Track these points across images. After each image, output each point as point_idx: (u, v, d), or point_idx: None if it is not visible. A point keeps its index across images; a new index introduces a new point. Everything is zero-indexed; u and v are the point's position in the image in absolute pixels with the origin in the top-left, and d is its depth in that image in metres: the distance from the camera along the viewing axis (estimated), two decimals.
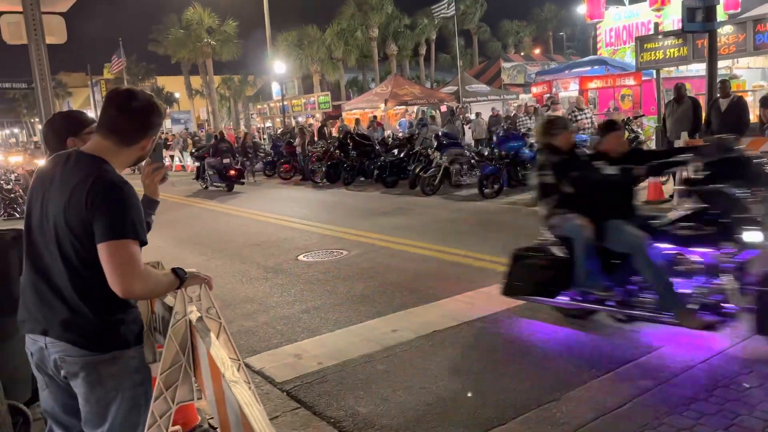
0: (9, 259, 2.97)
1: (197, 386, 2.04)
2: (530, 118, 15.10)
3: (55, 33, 3.79)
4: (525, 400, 3.64)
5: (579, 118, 12.52)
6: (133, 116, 2.05)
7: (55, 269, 2.00)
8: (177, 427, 2.33)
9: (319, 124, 24.79)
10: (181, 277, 2.07)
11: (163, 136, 34.32)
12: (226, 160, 16.59)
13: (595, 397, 3.54)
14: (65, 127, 2.57)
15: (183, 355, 1.99)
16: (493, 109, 21.72)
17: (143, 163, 2.29)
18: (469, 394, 3.78)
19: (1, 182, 15.57)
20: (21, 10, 3.56)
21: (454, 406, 3.66)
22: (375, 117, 21.29)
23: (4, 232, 3.10)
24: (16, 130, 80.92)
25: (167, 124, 52.07)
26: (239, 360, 2.01)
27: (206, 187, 17.35)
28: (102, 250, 1.90)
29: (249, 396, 1.38)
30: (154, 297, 2.20)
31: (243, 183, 17.35)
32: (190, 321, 2.01)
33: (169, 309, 2.12)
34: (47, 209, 2.00)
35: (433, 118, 21.81)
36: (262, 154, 21.56)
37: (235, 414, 1.41)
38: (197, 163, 18.45)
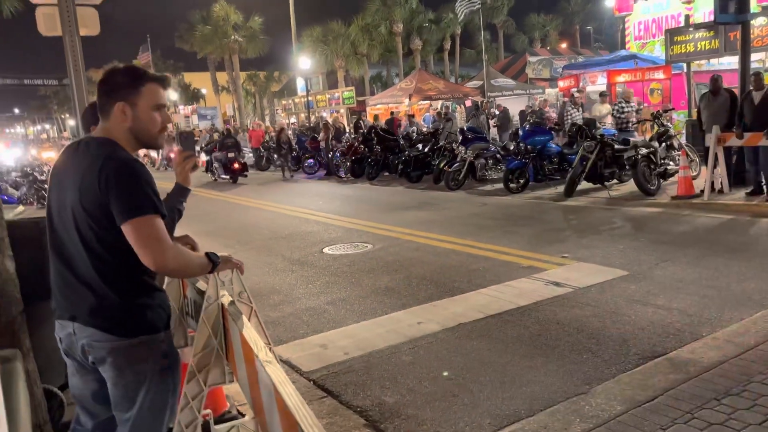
0: (43, 245, 3.04)
1: (229, 369, 2.06)
2: (578, 110, 14.59)
3: (89, 25, 3.86)
4: (553, 392, 3.61)
5: (626, 110, 12.14)
6: (101, 87, 2.07)
7: (78, 255, 2.01)
8: (208, 410, 2.36)
9: (355, 119, 24.76)
10: (213, 261, 2.09)
11: (192, 130, 34.74)
12: (230, 155, 17.76)
13: (625, 390, 3.50)
14: (92, 116, 2.63)
15: (215, 338, 2.01)
16: (528, 107, 21.58)
17: (174, 151, 2.30)
18: (496, 386, 3.76)
19: (35, 173, 16.01)
20: (56, 2, 3.64)
21: (481, 397, 3.65)
22: (392, 113, 21.23)
23: (38, 220, 3.17)
24: (47, 126, 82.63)
25: (194, 119, 52.75)
26: (270, 344, 2.03)
27: (215, 179, 18.26)
28: (127, 230, 1.91)
29: (283, 375, 1.39)
30: (187, 275, 2.18)
31: (246, 176, 18.33)
32: (223, 305, 2.03)
33: (201, 293, 2.15)
34: (65, 197, 2.02)
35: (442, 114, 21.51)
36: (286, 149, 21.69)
37: (268, 393, 1.43)
38: (207, 157, 19.42)
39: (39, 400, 2.84)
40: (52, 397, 3.01)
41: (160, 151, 12.13)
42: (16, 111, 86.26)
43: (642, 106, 13.02)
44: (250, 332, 1.74)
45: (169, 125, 2.28)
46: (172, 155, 2.33)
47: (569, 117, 14.30)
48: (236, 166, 17.69)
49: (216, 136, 29.38)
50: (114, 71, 2.10)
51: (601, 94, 14.86)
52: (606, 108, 13.77)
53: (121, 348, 2.02)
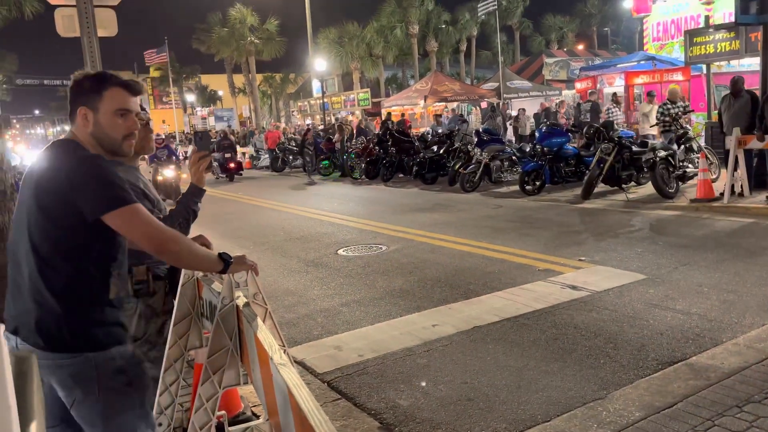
0: None
1: (243, 371, 2.06)
2: (620, 109, 14.09)
3: (107, 26, 3.89)
4: (570, 398, 3.57)
5: (671, 111, 11.71)
6: (69, 92, 2.05)
7: (26, 260, 1.92)
8: (223, 411, 2.35)
9: (358, 120, 24.73)
10: (225, 260, 2.04)
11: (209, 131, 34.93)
12: (227, 155, 19.50)
13: (643, 396, 3.44)
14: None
15: (230, 340, 2.00)
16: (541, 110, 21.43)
17: (190, 151, 2.29)
18: (512, 390, 3.73)
19: None
20: (74, 3, 3.68)
21: (497, 401, 3.61)
22: (403, 115, 21.19)
23: None
24: (66, 128, 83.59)
25: (211, 121, 53.17)
26: (285, 346, 2.02)
27: (216, 178, 19.66)
28: (113, 219, 1.84)
29: (297, 378, 1.38)
30: (192, 264, 2.10)
31: (241, 174, 20.15)
32: (237, 306, 2.02)
33: (217, 295, 2.14)
34: (22, 198, 1.96)
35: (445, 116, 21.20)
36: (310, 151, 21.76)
37: (283, 396, 1.41)
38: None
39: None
40: None
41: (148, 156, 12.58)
42: (37, 112, 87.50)
43: (688, 107, 12.32)
44: (265, 334, 1.72)
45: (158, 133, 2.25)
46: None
47: (611, 117, 13.77)
48: (232, 165, 19.53)
49: (232, 138, 29.69)
50: (82, 76, 2.06)
51: (649, 94, 14.25)
52: (652, 108, 13.31)
53: (65, 366, 1.90)
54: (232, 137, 23.16)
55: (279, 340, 2.00)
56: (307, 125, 25.01)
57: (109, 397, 1.93)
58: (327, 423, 1.17)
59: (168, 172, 13.15)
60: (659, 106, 12.17)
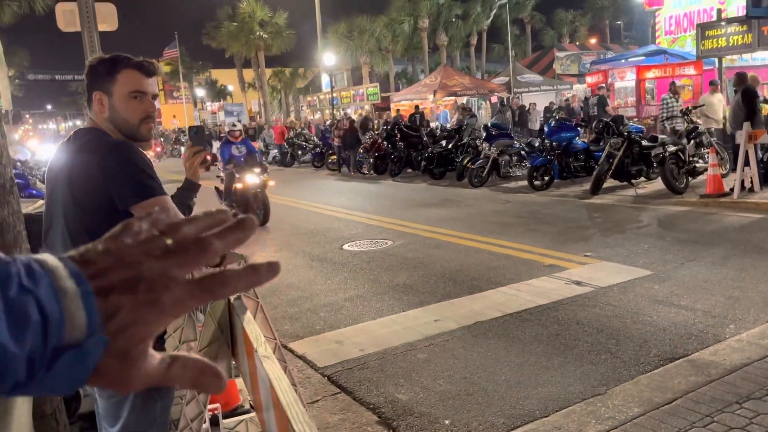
0: None
1: (235, 364, 2.07)
2: (677, 100, 13.03)
3: (107, 20, 3.91)
4: (569, 393, 3.55)
5: (671, 105, 11.22)
6: (85, 79, 2.04)
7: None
8: (216, 404, 2.37)
9: (364, 117, 24.55)
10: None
11: (217, 128, 35.15)
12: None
13: (643, 392, 3.43)
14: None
15: (222, 333, 2.01)
16: (552, 103, 21.27)
17: (186, 146, 2.30)
18: (511, 385, 3.72)
19: None
20: None
21: (496, 397, 3.60)
22: (417, 107, 21.03)
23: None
24: (78, 123, 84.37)
25: (221, 116, 53.34)
26: (276, 339, 2.02)
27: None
28: (140, 210, 1.85)
29: (279, 371, 1.38)
30: None
31: (216, 165, 20.50)
32: (229, 299, 2.03)
33: None
34: (56, 192, 1.97)
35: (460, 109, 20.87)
36: (311, 145, 21.77)
37: (265, 388, 1.42)
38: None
39: (58, 400, 2.88)
40: (71, 400, 3.05)
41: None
42: (49, 107, 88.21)
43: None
44: (252, 327, 1.73)
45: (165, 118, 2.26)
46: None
47: (668, 111, 12.19)
48: (207, 157, 21.45)
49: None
50: (96, 60, 2.04)
51: (711, 83, 12.99)
52: (717, 98, 12.36)
53: None
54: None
55: (270, 333, 2.00)
56: (348, 117, 23.83)
57: (138, 395, 1.92)
58: (304, 416, 1.17)
59: (251, 178, 9.61)
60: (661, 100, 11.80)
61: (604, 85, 18.14)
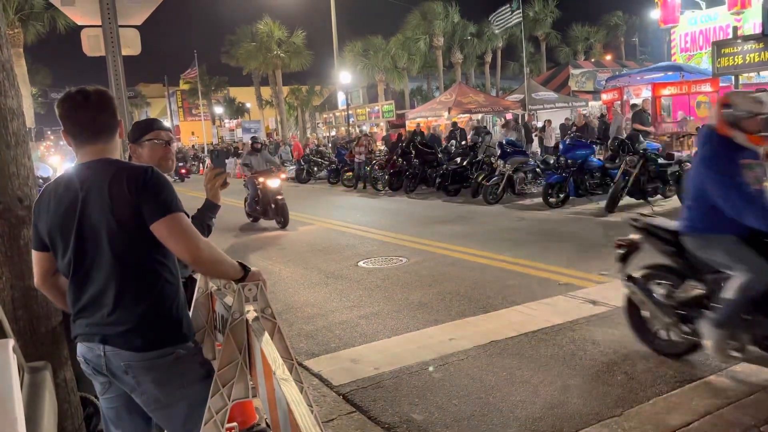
0: None
1: (252, 384, 2.10)
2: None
3: (131, 45, 4.03)
4: (585, 414, 3.54)
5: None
6: (106, 110, 2.12)
7: (110, 275, 2.04)
8: (234, 423, 2.40)
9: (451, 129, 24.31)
10: (244, 267, 2.15)
11: (234, 145, 35.54)
12: (180, 163, 26.15)
13: (659, 414, 3.40)
14: (130, 134, 2.75)
15: (240, 353, 2.05)
16: (567, 119, 21.12)
17: (207, 166, 2.40)
18: (526, 406, 3.71)
19: None
20: (100, 23, 3.83)
21: (511, 417, 3.59)
22: (455, 123, 20.89)
23: None
24: None
25: (238, 133, 53.89)
26: (293, 360, 2.05)
27: (174, 181, 22.79)
28: (160, 227, 1.98)
29: (297, 394, 1.41)
30: (219, 272, 2.18)
31: (190, 177, 26.25)
32: (247, 320, 2.07)
33: (228, 308, 2.20)
34: (85, 220, 2.04)
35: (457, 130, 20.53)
36: (326, 162, 21.91)
37: (283, 411, 1.45)
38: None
39: (75, 408, 2.93)
40: (88, 405, 3.11)
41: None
42: None
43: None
44: (270, 348, 1.77)
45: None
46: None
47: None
48: (183, 171, 26.72)
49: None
50: (107, 94, 2.17)
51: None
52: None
53: (161, 364, 2.07)
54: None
55: (287, 354, 2.04)
56: (373, 131, 23.30)
57: (193, 388, 2.11)
58: None
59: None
60: None
61: (617, 107, 18.05)
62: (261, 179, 11.35)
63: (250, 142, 12.44)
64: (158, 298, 2.09)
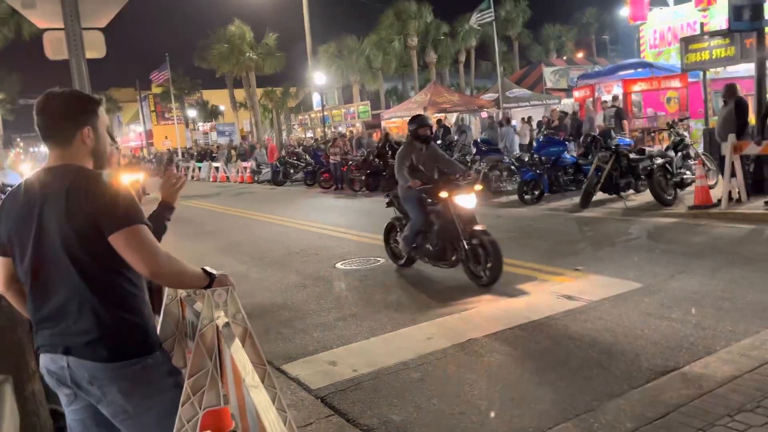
0: None
1: (224, 392, 2.06)
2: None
3: (95, 48, 3.95)
4: (562, 409, 3.56)
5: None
6: (59, 114, 2.09)
7: (70, 284, 2.00)
8: (208, 431, 2.36)
9: (359, 134, 24.56)
10: (210, 275, 2.11)
11: (209, 148, 35.26)
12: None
13: (635, 407, 3.43)
14: None
15: (210, 360, 2.01)
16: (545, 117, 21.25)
17: (165, 171, 2.38)
18: (505, 402, 3.72)
19: None
20: (62, 26, 3.74)
21: (490, 415, 3.60)
22: (440, 120, 20.89)
23: None
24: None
25: (213, 136, 53.34)
26: (265, 365, 2.03)
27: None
28: (118, 239, 1.93)
29: (266, 401, 1.39)
30: (182, 283, 2.18)
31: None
32: (217, 326, 2.03)
33: (198, 315, 2.15)
34: (43, 229, 2.00)
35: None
36: (303, 164, 21.80)
37: (253, 419, 1.42)
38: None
39: (44, 421, 2.86)
40: (59, 417, 3.04)
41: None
42: None
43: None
44: (240, 355, 1.74)
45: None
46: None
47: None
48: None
49: (234, 152, 29.84)
50: (69, 97, 2.13)
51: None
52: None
53: (127, 375, 2.02)
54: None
55: (259, 359, 2.01)
56: (385, 130, 22.48)
57: (160, 398, 2.07)
58: None
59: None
60: None
61: (589, 104, 18.26)
62: (444, 194, 6.44)
63: (414, 127, 6.93)
64: (121, 308, 2.05)
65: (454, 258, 6.59)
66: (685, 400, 3.42)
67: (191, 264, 2.14)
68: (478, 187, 6.97)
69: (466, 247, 6.33)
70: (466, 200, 6.46)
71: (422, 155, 6.98)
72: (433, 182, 6.74)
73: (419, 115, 7.37)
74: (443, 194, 6.50)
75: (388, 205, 7.61)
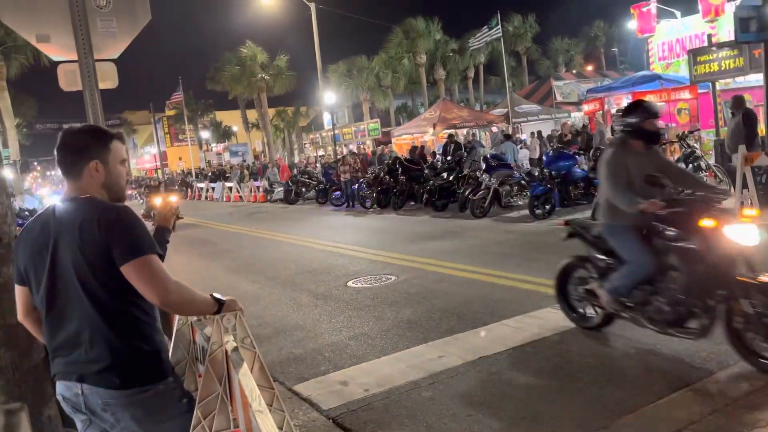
0: None
1: (234, 416, 2.10)
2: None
3: (108, 78, 4.07)
4: (574, 428, 3.55)
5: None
6: (68, 149, 2.19)
7: (83, 314, 2.07)
8: None
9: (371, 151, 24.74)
10: (218, 300, 2.17)
11: (221, 168, 35.60)
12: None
13: (648, 424, 3.42)
14: None
15: (220, 384, 2.06)
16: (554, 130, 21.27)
17: (160, 197, 2.46)
18: (516, 421, 3.71)
19: None
20: (76, 59, 3.85)
21: None
22: (452, 135, 21.14)
23: None
24: None
25: (226, 156, 53.86)
26: (273, 389, 2.06)
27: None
28: (129, 270, 2.00)
29: (271, 426, 1.42)
30: (192, 311, 2.24)
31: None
32: (227, 351, 2.08)
33: (208, 339, 2.20)
34: (57, 260, 2.08)
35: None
36: (314, 182, 21.95)
37: None
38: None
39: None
40: None
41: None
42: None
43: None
44: (247, 380, 1.78)
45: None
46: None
47: None
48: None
49: (247, 172, 30.11)
50: (79, 132, 2.23)
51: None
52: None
53: (139, 399, 2.07)
54: None
55: (267, 383, 2.05)
56: (420, 143, 22.72)
57: (172, 424, 2.11)
58: None
59: None
60: None
61: (599, 117, 18.29)
62: (708, 222, 4.16)
63: (636, 120, 4.53)
64: (133, 336, 2.10)
65: (707, 323, 4.15)
66: (698, 417, 3.40)
67: (206, 282, 2.20)
68: (752, 211, 4.71)
69: (747, 310, 3.93)
70: (744, 234, 4.19)
71: (644, 163, 4.49)
72: (678, 204, 4.30)
73: (641, 102, 4.87)
74: (706, 223, 4.11)
75: (570, 236, 5.29)
